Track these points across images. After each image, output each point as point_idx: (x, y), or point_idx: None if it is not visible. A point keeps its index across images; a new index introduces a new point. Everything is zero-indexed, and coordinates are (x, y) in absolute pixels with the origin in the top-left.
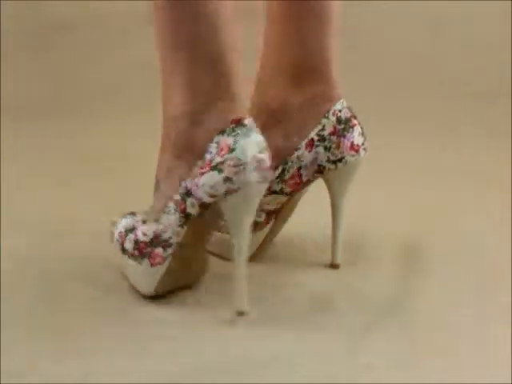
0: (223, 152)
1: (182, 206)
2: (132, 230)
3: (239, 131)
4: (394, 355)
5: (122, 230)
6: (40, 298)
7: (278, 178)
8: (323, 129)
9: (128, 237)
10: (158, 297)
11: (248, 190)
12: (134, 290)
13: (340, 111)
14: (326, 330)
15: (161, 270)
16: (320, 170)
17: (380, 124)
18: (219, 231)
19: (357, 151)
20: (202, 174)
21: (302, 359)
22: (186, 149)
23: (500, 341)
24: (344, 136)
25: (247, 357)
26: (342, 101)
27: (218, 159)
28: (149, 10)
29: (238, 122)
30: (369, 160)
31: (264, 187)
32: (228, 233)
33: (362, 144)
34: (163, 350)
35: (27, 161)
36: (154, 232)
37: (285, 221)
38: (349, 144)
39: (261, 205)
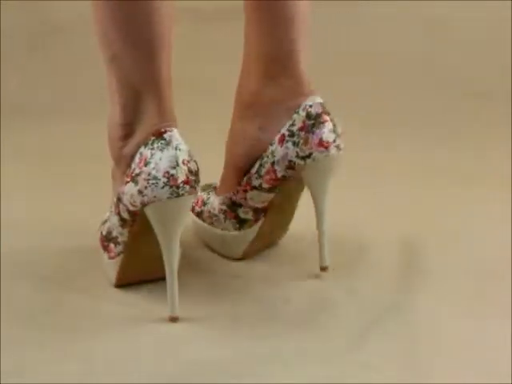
0: (141, 164)
1: (117, 210)
2: (104, 222)
3: (157, 144)
4: (394, 355)
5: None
6: (40, 297)
7: (256, 173)
8: (293, 124)
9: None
10: (123, 286)
11: (159, 205)
12: (135, 289)
13: (311, 107)
14: (326, 329)
15: (117, 263)
16: (291, 166)
17: (380, 124)
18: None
19: (326, 148)
20: (126, 183)
21: (301, 359)
22: (120, 156)
23: (500, 341)
24: (313, 132)
25: (247, 357)
26: (314, 97)
27: (137, 171)
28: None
29: (159, 135)
30: (369, 160)
31: (183, 201)
32: (222, 229)
33: (334, 141)
34: (163, 350)
35: (27, 161)
36: (107, 228)
37: (283, 228)
38: (317, 140)
39: (246, 200)
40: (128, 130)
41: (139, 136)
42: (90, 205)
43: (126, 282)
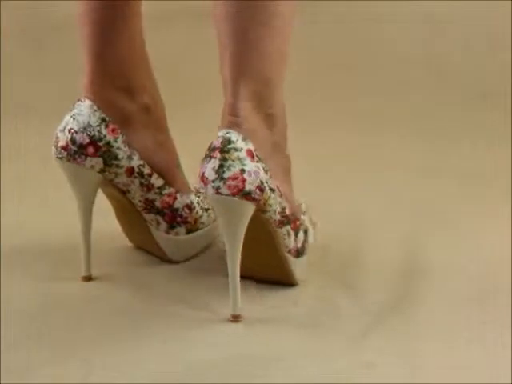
0: None
1: None
2: None
3: (71, 108)
4: (395, 355)
5: None
6: (40, 297)
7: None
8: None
9: None
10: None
11: (57, 164)
12: (135, 289)
13: (217, 138)
14: (326, 329)
15: None
16: None
17: (379, 124)
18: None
19: (205, 184)
20: None
21: (302, 359)
22: None
23: (500, 341)
24: (202, 163)
25: (247, 357)
26: (227, 130)
27: None
28: (148, 10)
29: (78, 100)
30: (368, 159)
31: (72, 167)
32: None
33: (213, 181)
34: (163, 350)
35: (27, 161)
36: None
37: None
38: (201, 173)
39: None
40: None
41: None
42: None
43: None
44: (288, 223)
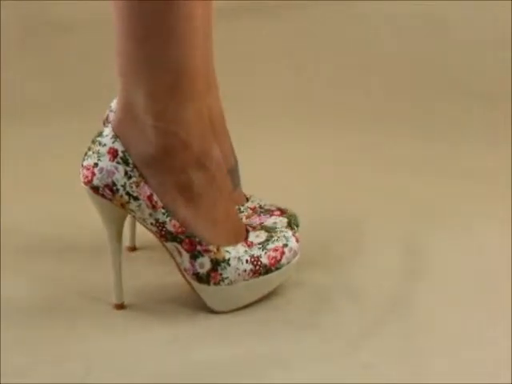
0: None
1: None
2: None
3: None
4: (394, 355)
5: None
6: (40, 297)
7: None
8: None
9: None
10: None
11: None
12: (135, 289)
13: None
14: (326, 329)
15: None
16: None
17: (379, 123)
18: None
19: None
20: None
21: (302, 359)
22: None
23: (500, 341)
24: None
25: (247, 357)
26: (110, 124)
27: None
28: None
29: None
30: (368, 159)
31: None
32: None
33: (81, 166)
34: (163, 350)
35: (27, 161)
36: None
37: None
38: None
39: None
40: None
41: None
42: (90, 204)
43: None
44: (174, 240)
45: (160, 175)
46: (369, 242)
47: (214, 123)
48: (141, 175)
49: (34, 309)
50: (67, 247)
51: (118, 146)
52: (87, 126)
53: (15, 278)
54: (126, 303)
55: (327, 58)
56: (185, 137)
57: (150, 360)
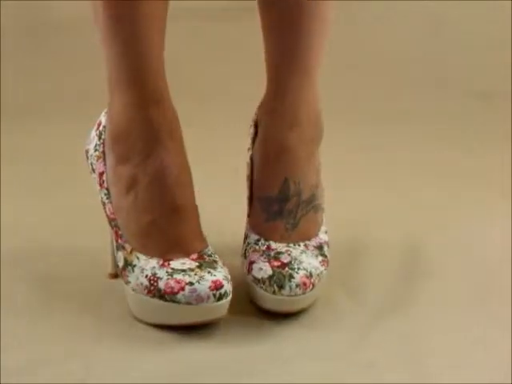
0: None
1: None
2: None
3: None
4: (395, 355)
5: None
6: (40, 297)
7: None
8: None
9: None
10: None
11: None
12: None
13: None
14: (326, 329)
15: None
16: None
17: (379, 124)
18: None
19: None
20: None
21: (302, 359)
22: None
23: (500, 341)
24: None
25: (247, 357)
26: None
27: None
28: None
29: None
30: (368, 160)
31: None
32: None
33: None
34: (163, 350)
35: (27, 161)
36: None
37: None
38: None
39: None
40: None
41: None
42: (90, 205)
43: None
44: (110, 224)
45: (113, 157)
46: (369, 242)
47: (165, 132)
48: (103, 152)
49: (33, 309)
50: (67, 247)
51: (103, 120)
52: (87, 125)
53: (15, 277)
54: (125, 304)
55: (327, 58)
56: (123, 131)
57: (149, 360)
